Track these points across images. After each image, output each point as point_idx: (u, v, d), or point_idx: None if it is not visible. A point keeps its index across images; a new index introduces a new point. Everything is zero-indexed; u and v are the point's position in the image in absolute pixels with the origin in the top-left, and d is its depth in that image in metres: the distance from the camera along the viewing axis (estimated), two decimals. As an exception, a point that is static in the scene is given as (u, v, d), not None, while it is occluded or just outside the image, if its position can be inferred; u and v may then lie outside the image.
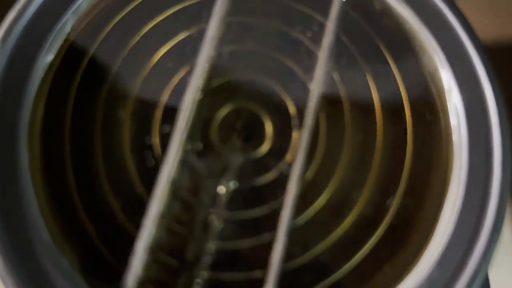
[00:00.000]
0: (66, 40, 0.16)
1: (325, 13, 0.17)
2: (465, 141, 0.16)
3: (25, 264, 0.14)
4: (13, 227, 0.14)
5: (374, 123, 0.17)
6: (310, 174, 0.16)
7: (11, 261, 0.14)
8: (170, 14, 0.17)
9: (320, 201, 0.16)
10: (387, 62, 0.17)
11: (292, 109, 0.17)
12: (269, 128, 0.17)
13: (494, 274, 0.16)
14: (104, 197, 0.15)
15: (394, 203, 0.16)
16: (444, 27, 0.17)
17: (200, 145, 0.16)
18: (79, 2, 0.16)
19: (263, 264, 0.15)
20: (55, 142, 0.16)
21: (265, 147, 0.16)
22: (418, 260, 0.15)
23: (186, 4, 0.17)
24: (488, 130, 0.16)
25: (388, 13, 0.17)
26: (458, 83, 0.16)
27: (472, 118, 0.16)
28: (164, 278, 0.15)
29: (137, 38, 0.17)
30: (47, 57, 0.16)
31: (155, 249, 0.15)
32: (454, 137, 0.16)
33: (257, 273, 0.15)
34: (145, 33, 0.17)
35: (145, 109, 0.16)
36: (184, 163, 0.16)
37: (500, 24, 0.36)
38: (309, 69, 0.17)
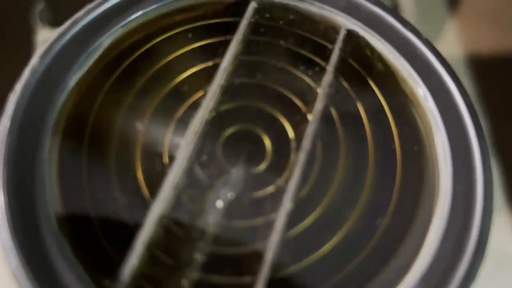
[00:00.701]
0: (99, 58, 0.18)
1: (326, 58, 0.20)
2: (449, 171, 0.17)
3: (31, 247, 0.15)
4: (25, 212, 0.16)
5: (366, 150, 0.18)
6: (304, 191, 0.17)
7: (18, 243, 0.15)
8: (193, 48, 0.20)
9: (313, 217, 0.17)
10: (379, 101, 0.19)
11: (291, 134, 0.18)
12: (269, 148, 0.18)
13: None
14: (112, 193, 0.17)
15: (383, 223, 0.17)
16: (430, 72, 0.19)
17: (204, 157, 0.18)
18: (114, 29, 0.19)
19: (254, 270, 0.16)
20: (75, 140, 0.17)
21: (264, 165, 0.18)
22: (404, 277, 0.16)
23: (207, 42, 0.20)
24: (471, 161, 0.17)
25: (380, 59, 0.20)
26: (443, 121, 0.18)
27: (456, 151, 0.17)
28: (157, 274, 0.16)
29: (161, 64, 0.19)
30: (79, 72, 0.18)
31: (152, 246, 0.16)
32: (440, 166, 0.17)
33: (246, 279, 0.16)
34: (169, 60, 0.19)
35: (160, 122, 0.18)
36: (188, 172, 0.17)
37: (503, 35, 0.38)
38: (309, 102, 0.19)
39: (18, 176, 0.16)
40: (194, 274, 0.16)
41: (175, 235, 0.16)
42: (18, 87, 0.17)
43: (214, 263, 0.16)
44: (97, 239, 0.16)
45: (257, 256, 0.16)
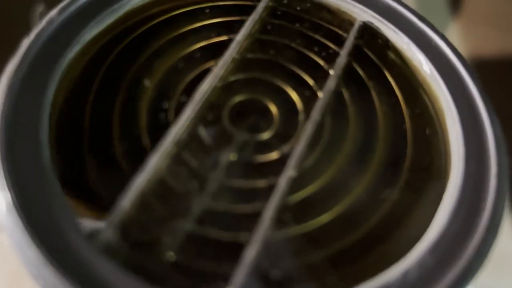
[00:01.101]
0: (118, 20, 0.19)
1: (340, 44, 0.20)
2: (462, 153, 0.16)
3: (36, 208, 0.14)
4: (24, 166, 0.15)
5: (377, 128, 0.17)
6: (310, 161, 0.17)
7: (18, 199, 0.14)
8: (210, 23, 0.20)
9: (316, 185, 0.16)
10: (392, 86, 0.19)
11: (300, 106, 0.18)
12: (276, 118, 0.18)
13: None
14: (112, 139, 0.16)
15: (391, 197, 0.16)
16: (444, 62, 0.19)
17: (210, 119, 0.17)
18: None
19: (250, 228, 0.15)
20: (83, 87, 0.17)
21: (270, 132, 0.17)
22: (410, 249, 0.14)
23: (224, 19, 0.20)
24: (484, 144, 0.17)
25: (394, 49, 0.20)
26: (456, 106, 0.18)
27: (469, 135, 0.17)
28: (150, 222, 0.15)
29: (178, 32, 0.19)
30: (96, 28, 0.18)
31: (147, 195, 0.15)
32: (452, 148, 0.17)
33: (242, 236, 0.15)
34: (186, 31, 0.19)
35: (169, 81, 0.18)
36: (192, 131, 0.17)
37: (505, 38, 0.37)
38: (320, 81, 0.19)
39: (16, 107, 0.16)
40: (187, 225, 0.15)
41: (171, 187, 0.16)
42: (33, 33, 0.17)
43: (210, 217, 0.15)
44: (91, 182, 0.15)
45: (255, 216, 0.15)
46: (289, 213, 0.15)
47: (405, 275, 0.14)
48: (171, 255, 0.14)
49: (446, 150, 0.17)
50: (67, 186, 0.15)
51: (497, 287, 0.16)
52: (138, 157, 0.16)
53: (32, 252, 0.13)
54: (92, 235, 0.14)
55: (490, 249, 0.14)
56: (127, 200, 0.15)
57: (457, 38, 0.40)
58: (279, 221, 0.15)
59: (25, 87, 0.16)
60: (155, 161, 0.16)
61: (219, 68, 0.18)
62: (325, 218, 0.15)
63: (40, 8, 0.44)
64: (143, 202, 0.15)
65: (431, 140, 0.17)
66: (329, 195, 0.16)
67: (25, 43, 0.17)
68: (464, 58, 0.19)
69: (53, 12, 0.18)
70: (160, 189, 0.15)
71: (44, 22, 0.18)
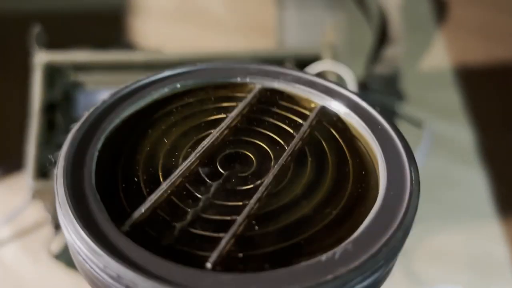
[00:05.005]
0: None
1: (305, 118, 0.27)
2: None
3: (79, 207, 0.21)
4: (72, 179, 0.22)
5: (327, 170, 0.24)
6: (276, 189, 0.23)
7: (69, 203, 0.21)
8: (211, 108, 0.28)
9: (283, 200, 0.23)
10: (341, 144, 0.26)
11: (272, 154, 0.25)
12: (254, 163, 0.25)
13: None
14: (136, 174, 0.23)
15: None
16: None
17: (206, 163, 0.24)
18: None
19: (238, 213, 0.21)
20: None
21: (248, 172, 0.24)
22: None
23: (224, 104, 0.28)
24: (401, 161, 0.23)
25: (344, 126, 0.27)
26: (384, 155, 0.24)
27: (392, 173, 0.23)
28: (160, 224, 0.21)
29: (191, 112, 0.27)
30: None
31: (156, 207, 0.22)
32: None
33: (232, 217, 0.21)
34: (197, 111, 0.28)
35: (180, 140, 0.25)
36: (193, 169, 0.24)
37: (489, 47, 0.40)
38: (288, 141, 0.26)
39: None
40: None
41: (176, 203, 0.22)
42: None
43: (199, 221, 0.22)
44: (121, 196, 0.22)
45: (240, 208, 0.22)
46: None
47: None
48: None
49: (377, 180, 0.23)
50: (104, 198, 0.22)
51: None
52: (154, 186, 0.23)
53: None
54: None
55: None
56: (142, 208, 0.21)
57: (444, 48, 0.43)
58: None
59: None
60: (163, 188, 0.22)
61: (216, 132, 0.26)
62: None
63: (36, 30, 0.49)
64: (153, 211, 0.22)
65: (365, 178, 0.24)
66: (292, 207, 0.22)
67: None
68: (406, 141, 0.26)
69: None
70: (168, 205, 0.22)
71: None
